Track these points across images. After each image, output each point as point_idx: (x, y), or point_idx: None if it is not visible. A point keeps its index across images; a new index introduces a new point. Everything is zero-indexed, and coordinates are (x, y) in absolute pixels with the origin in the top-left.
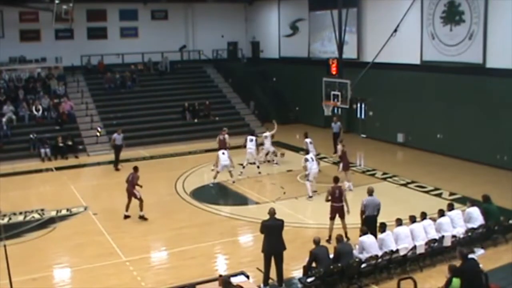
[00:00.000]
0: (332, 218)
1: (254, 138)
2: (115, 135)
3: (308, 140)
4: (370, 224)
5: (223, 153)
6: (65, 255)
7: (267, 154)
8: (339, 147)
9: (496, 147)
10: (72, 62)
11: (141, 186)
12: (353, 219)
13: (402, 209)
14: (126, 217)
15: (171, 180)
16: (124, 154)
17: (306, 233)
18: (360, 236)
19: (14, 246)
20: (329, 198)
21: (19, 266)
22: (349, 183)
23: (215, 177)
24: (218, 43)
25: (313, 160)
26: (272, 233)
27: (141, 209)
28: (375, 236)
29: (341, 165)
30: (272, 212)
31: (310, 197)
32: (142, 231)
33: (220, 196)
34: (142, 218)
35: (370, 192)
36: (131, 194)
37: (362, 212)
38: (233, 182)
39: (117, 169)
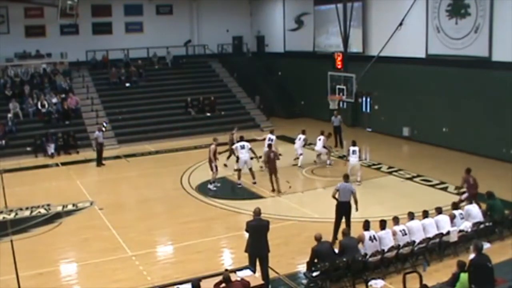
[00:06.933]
0: None
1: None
2: None
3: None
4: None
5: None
6: (71, 250)
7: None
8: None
9: (502, 140)
10: (77, 58)
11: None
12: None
13: (407, 203)
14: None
15: (177, 175)
16: (130, 149)
17: (312, 227)
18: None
19: (21, 241)
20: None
21: (26, 261)
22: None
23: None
24: (223, 38)
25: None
26: (257, 233)
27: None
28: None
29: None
30: (257, 212)
31: None
32: (148, 226)
33: (225, 190)
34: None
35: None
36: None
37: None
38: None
39: None
